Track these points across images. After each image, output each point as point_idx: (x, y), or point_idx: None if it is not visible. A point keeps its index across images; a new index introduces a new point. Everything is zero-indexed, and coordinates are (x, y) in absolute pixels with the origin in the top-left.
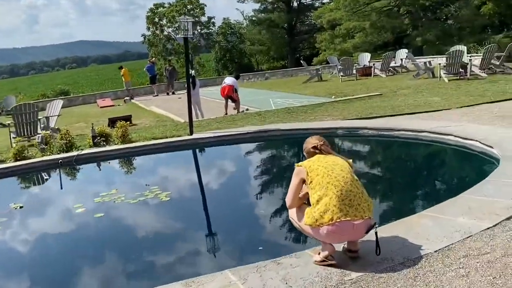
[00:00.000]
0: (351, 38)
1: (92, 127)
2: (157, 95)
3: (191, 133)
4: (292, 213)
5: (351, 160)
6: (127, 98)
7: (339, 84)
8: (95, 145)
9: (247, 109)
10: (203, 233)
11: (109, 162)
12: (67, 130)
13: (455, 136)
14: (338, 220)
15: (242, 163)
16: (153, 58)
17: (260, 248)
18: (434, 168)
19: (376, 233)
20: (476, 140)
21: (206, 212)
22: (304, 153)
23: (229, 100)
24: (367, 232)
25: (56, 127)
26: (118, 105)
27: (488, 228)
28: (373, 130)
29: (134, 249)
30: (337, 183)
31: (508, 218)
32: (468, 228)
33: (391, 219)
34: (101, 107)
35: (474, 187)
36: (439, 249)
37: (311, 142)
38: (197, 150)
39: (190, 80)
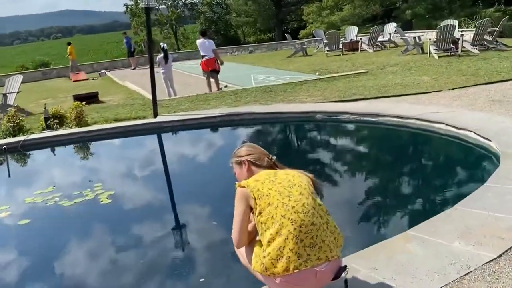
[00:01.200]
0: (339, 11)
1: (45, 108)
2: (135, 69)
3: (155, 115)
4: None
5: (312, 175)
6: (103, 71)
7: (324, 59)
8: (48, 128)
9: (225, 86)
10: (137, 255)
11: (65, 147)
12: (15, 111)
13: (447, 124)
14: (295, 270)
15: (207, 154)
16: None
17: (201, 279)
18: (423, 166)
19: (346, 281)
20: (471, 131)
21: (148, 223)
22: (241, 160)
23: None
24: (335, 278)
25: (15, 105)
26: (92, 79)
27: (491, 260)
28: (355, 115)
29: (56, 275)
30: (295, 216)
31: None
32: (466, 260)
33: (368, 239)
34: (74, 81)
35: (471, 195)
36: None
37: (260, 152)
38: (159, 136)
39: (162, 54)
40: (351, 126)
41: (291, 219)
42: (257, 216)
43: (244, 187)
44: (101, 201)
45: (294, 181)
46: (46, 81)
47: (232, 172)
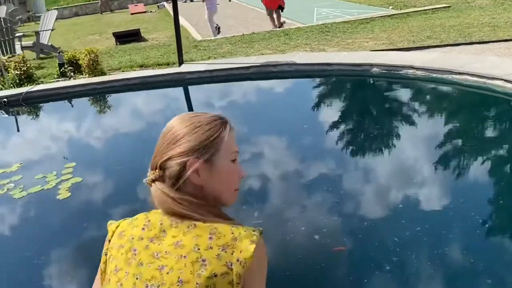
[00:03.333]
0: None
1: (59, 52)
2: None
3: (180, 63)
4: None
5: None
6: (162, 3)
7: None
8: (63, 75)
9: (284, 22)
10: None
11: (70, 102)
12: (23, 57)
13: None
14: None
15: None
16: None
17: None
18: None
19: None
20: None
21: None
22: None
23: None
24: None
25: (50, 44)
26: (150, 11)
27: None
28: (422, 71)
29: None
30: None
31: None
32: None
33: None
34: (132, 13)
35: None
36: None
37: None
38: (181, 90)
39: None
40: (414, 86)
41: None
42: None
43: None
44: (59, 194)
45: (162, 275)
46: (105, 15)
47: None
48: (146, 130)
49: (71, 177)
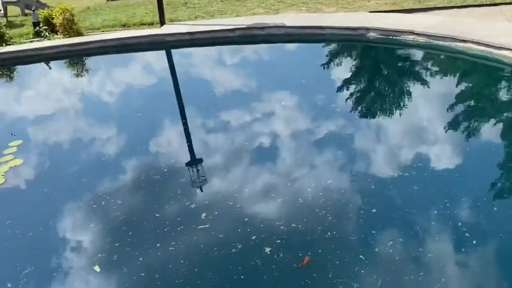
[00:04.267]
0: None
1: (33, 10)
2: None
3: (162, 24)
4: None
5: None
6: None
7: None
8: (37, 35)
9: None
10: None
11: (38, 65)
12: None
13: None
14: None
15: (205, 96)
16: None
17: None
18: None
19: None
20: None
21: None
22: None
23: None
24: None
25: None
26: None
27: None
28: (423, 37)
29: None
30: None
31: None
32: None
33: None
34: None
35: None
36: None
37: None
38: (159, 54)
39: None
40: (412, 55)
41: None
42: None
43: None
44: None
45: None
46: None
47: None
48: (109, 106)
49: (12, 159)
